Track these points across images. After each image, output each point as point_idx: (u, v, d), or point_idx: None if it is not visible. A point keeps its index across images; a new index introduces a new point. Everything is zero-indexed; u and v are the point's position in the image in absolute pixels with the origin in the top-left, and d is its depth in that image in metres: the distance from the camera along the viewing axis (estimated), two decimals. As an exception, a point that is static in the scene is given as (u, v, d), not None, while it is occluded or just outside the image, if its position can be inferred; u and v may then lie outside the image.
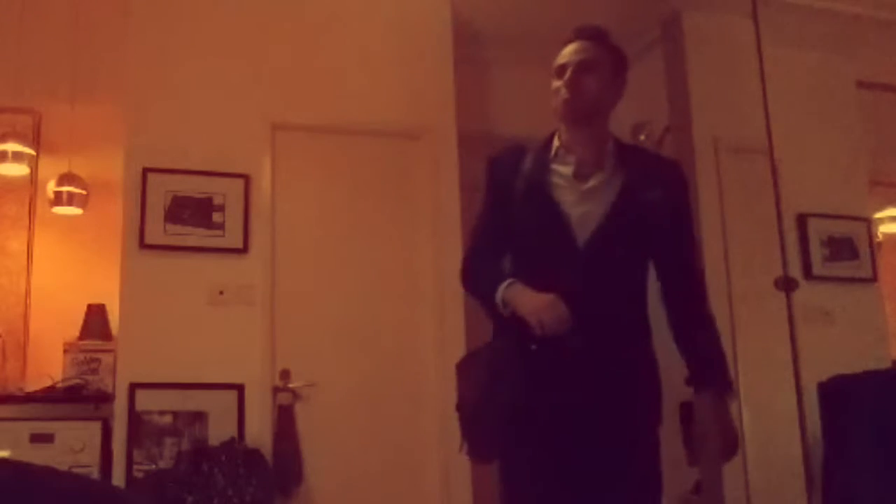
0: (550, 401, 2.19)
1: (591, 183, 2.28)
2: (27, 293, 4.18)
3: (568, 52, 2.31)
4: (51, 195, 4.12)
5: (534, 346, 2.19)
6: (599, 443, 2.21)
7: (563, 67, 2.30)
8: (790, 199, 3.79)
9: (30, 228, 4.24)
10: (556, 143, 2.35)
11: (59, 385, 3.76)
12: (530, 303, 2.18)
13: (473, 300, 2.49)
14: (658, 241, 2.31)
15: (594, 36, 2.32)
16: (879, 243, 4.20)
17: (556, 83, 2.31)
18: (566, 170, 2.30)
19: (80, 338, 3.94)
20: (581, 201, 2.27)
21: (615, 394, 2.22)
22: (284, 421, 3.63)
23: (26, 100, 4.12)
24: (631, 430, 2.24)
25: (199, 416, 3.51)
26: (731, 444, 2.27)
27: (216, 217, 3.70)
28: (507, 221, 2.35)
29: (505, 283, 2.25)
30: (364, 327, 3.83)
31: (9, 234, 4.22)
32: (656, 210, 2.27)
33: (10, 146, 4.00)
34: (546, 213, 2.29)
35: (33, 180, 4.22)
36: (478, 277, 2.40)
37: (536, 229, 2.32)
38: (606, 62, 2.31)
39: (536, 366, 2.20)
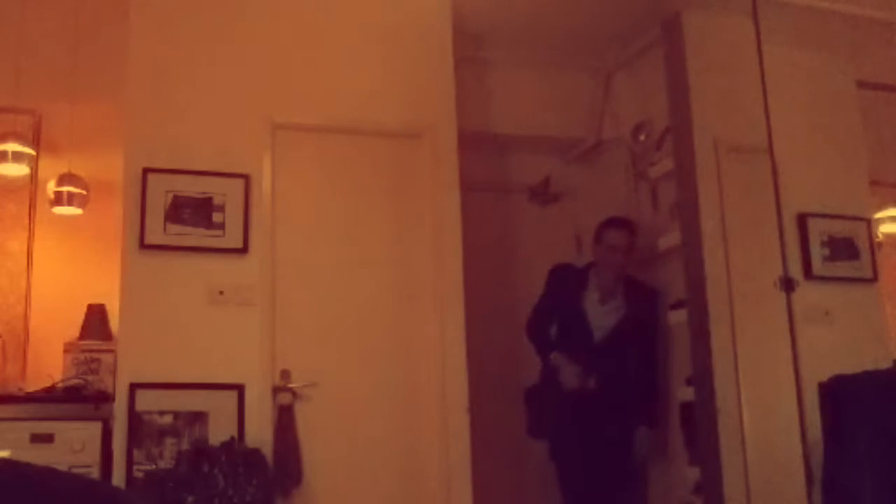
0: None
1: (609, 306, 4.23)
2: (27, 293, 4.18)
3: (617, 236, 4.22)
4: (51, 195, 4.11)
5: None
6: (603, 445, 4.11)
7: (614, 248, 4.21)
8: (790, 199, 3.78)
9: (30, 228, 4.24)
10: (592, 276, 4.28)
11: (59, 385, 3.76)
12: (565, 368, 4.13)
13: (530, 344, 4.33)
14: (637, 343, 4.23)
15: (629, 225, 4.27)
16: (879, 243, 4.18)
17: (612, 257, 4.21)
18: (594, 295, 4.25)
19: (80, 338, 3.94)
20: (601, 316, 4.21)
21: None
22: (284, 421, 3.63)
23: (26, 100, 4.12)
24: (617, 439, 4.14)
25: (199, 416, 3.51)
26: None
27: (216, 217, 3.70)
28: (555, 311, 4.28)
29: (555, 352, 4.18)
30: (364, 327, 3.83)
31: (9, 234, 4.22)
32: (640, 327, 4.23)
33: (10, 146, 3.99)
34: (578, 318, 4.22)
35: (33, 180, 4.22)
36: (537, 337, 4.31)
37: (571, 325, 4.24)
38: (633, 244, 4.24)
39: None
